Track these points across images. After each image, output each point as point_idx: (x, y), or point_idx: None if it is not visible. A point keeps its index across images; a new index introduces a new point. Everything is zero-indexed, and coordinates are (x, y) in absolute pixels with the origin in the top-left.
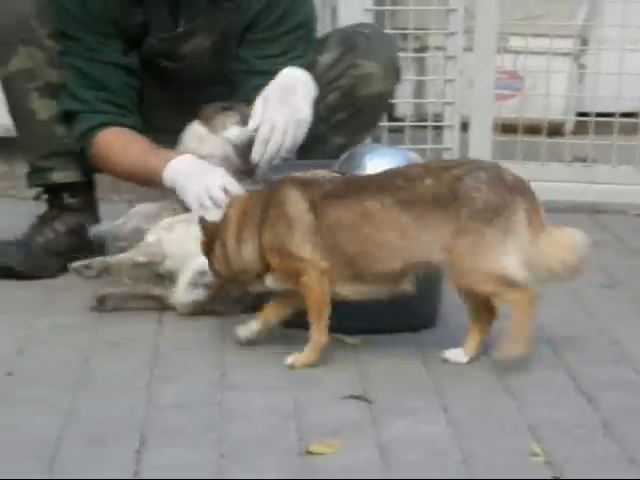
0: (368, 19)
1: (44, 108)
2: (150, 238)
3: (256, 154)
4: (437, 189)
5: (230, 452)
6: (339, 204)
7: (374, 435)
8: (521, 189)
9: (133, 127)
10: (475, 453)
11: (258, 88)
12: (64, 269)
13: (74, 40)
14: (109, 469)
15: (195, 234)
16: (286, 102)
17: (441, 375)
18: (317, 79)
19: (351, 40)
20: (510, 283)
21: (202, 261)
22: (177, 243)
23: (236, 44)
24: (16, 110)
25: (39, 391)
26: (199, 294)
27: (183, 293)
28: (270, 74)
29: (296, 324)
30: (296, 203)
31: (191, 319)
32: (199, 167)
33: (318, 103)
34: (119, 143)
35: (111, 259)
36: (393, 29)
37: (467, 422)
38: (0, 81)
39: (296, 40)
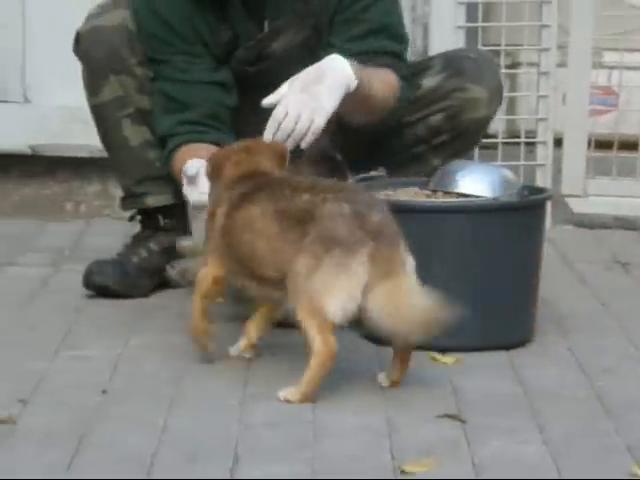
0: (460, 36)
1: (136, 135)
2: None
3: (267, 133)
4: (305, 206)
5: (323, 470)
6: (239, 207)
7: (468, 455)
8: (379, 234)
9: (215, 142)
10: (572, 474)
11: None
12: (157, 288)
13: (163, 63)
14: None
15: None
16: (308, 89)
17: (536, 394)
18: (420, 100)
19: (458, 64)
20: (324, 321)
21: None
22: None
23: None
24: (109, 137)
25: (133, 409)
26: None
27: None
28: (358, 55)
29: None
30: (222, 205)
31: (281, 338)
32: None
33: (395, 115)
34: (183, 160)
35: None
36: (485, 45)
37: (563, 442)
38: (90, 109)
39: (382, 28)
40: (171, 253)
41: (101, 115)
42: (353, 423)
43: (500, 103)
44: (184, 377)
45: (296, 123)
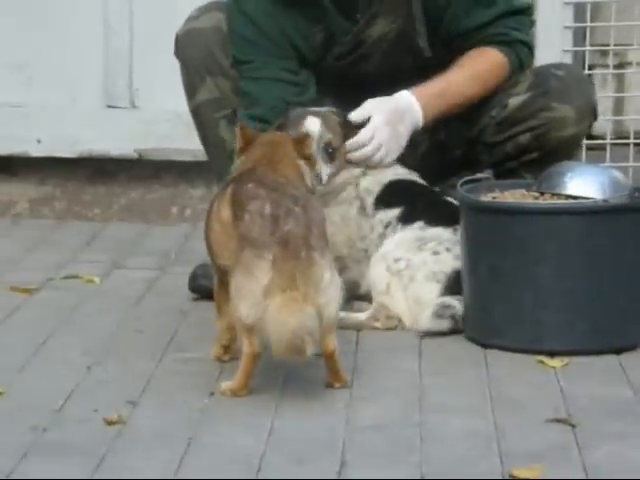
0: (567, 36)
1: (232, 136)
2: (381, 297)
3: (349, 148)
4: (242, 199)
5: (431, 474)
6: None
7: (579, 460)
8: (289, 242)
9: None
10: None
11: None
12: None
13: (246, 63)
14: None
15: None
16: (395, 127)
17: None
18: (507, 119)
19: (545, 82)
20: (240, 322)
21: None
22: (413, 299)
23: (424, 34)
24: (207, 139)
25: (240, 411)
26: (444, 325)
27: (429, 323)
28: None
29: None
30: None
31: (386, 341)
32: None
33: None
34: None
35: (350, 319)
36: (593, 45)
37: None
38: (190, 111)
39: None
40: None
41: (199, 116)
42: (460, 427)
43: (593, 121)
44: (289, 379)
45: (375, 153)
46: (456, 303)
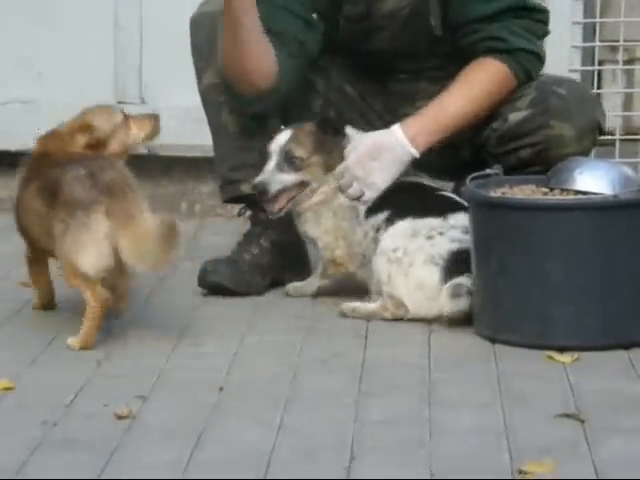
0: (577, 32)
1: (235, 120)
2: (386, 287)
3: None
4: (55, 178)
5: (441, 470)
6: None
7: (589, 455)
8: (112, 190)
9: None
10: None
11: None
12: (270, 286)
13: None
14: None
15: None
16: (365, 162)
17: None
18: (507, 134)
19: (546, 100)
20: (84, 277)
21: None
22: (415, 283)
23: (439, 14)
24: (210, 122)
25: (250, 406)
26: (463, 303)
27: (448, 305)
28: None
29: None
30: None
31: (395, 336)
32: None
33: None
34: None
35: (361, 308)
36: (602, 41)
37: None
38: (199, 95)
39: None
40: (281, 250)
41: (205, 99)
42: (470, 422)
43: (595, 139)
44: (298, 375)
45: (346, 189)
46: (466, 280)
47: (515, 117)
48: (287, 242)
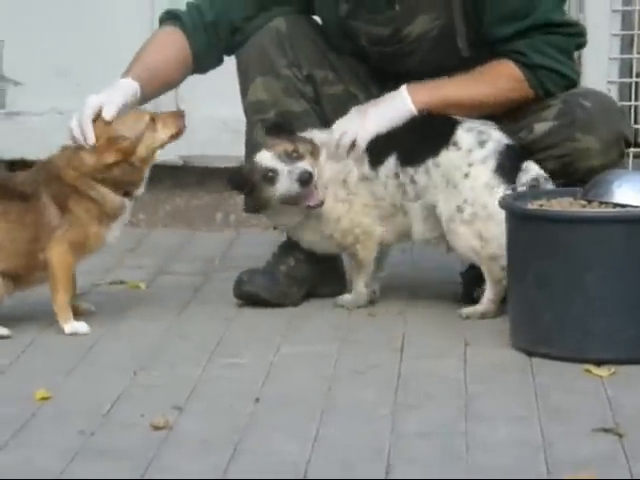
0: (615, 44)
1: (264, 140)
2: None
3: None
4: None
5: None
6: None
7: (627, 469)
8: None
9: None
10: None
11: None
12: (305, 297)
13: None
14: None
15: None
16: (359, 110)
17: None
18: (532, 145)
19: (571, 112)
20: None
21: None
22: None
23: (464, 33)
24: (246, 141)
25: (286, 417)
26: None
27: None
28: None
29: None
30: None
31: (431, 349)
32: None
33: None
34: None
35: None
36: None
37: None
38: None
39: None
40: (317, 261)
41: (246, 117)
42: (506, 435)
43: (621, 150)
44: (334, 386)
45: (340, 140)
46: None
47: (541, 128)
48: (323, 254)
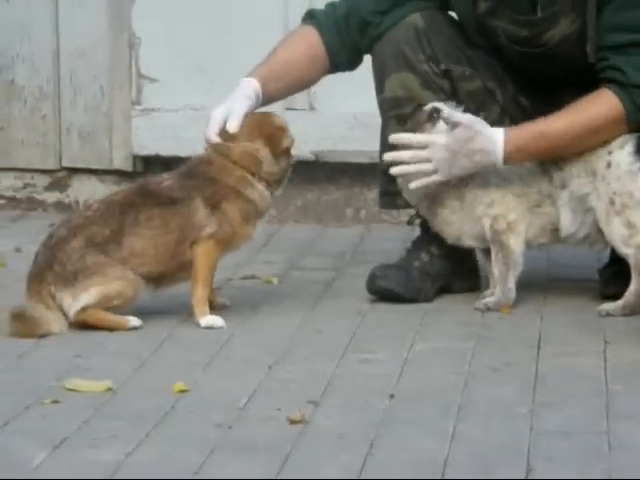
0: None
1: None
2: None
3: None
4: None
5: None
6: None
7: None
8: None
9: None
10: None
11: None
12: (439, 292)
13: None
14: None
15: None
16: (455, 152)
17: None
18: None
19: None
20: None
21: None
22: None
23: (594, 38)
24: (381, 134)
25: (422, 413)
26: None
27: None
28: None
29: None
30: None
31: (570, 346)
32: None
33: None
34: None
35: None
36: None
37: None
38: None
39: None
40: (452, 257)
41: (381, 112)
42: None
43: None
44: (471, 382)
45: (417, 163)
46: None
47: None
48: (457, 249)
